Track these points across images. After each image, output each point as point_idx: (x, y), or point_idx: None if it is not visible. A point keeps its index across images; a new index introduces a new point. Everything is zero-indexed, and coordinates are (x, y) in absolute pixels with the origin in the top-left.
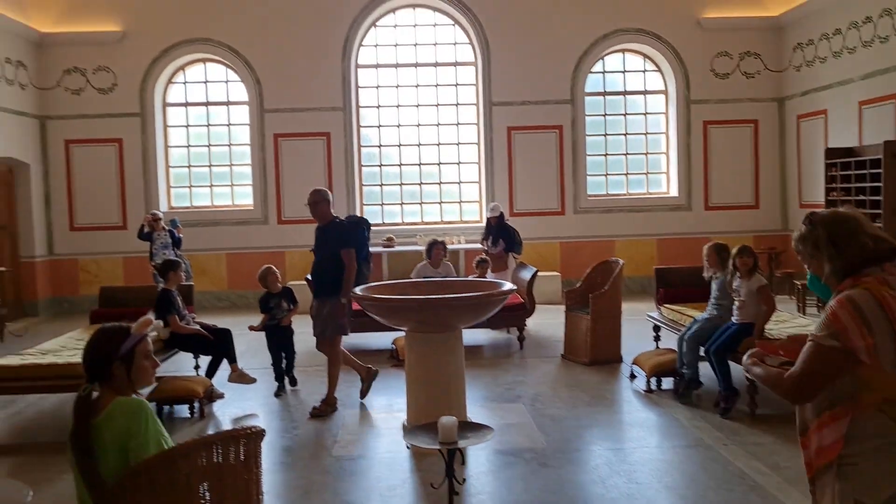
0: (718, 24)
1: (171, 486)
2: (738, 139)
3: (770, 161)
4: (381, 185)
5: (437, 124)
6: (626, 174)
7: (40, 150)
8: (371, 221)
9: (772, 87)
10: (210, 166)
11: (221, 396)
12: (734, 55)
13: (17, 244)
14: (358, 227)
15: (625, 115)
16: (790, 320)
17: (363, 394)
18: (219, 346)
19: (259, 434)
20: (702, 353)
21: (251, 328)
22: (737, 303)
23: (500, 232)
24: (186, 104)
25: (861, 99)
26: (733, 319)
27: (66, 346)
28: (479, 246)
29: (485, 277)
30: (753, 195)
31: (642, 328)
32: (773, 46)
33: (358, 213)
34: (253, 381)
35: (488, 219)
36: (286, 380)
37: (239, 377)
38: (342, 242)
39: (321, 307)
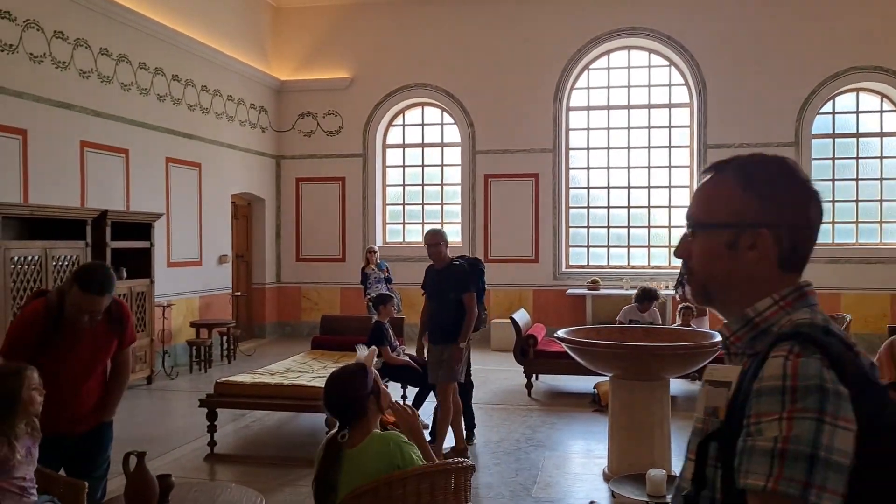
0: None
1: None
2: None
3: None
4: (588, 226)
5: (648, 167)
6: (857, 222)
7: (274, 186)
8: (577, 263)
9: None
10: (423, 204)
11: (426, 427)
12: None
13: (250, 271)
14: (476, 270)
15: (857, 158)
16: None
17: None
18: (426, 378)
19: (469, 468)
20: None
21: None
22: None
23: None
24: (404, 145)
25: None
26: None
27: (291, 369)
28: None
29: (689, 325)
30: None
31: None
32: None
33: (563, 255)
34: None
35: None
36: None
37: None
38: (463, 287)
39: (439, 353)
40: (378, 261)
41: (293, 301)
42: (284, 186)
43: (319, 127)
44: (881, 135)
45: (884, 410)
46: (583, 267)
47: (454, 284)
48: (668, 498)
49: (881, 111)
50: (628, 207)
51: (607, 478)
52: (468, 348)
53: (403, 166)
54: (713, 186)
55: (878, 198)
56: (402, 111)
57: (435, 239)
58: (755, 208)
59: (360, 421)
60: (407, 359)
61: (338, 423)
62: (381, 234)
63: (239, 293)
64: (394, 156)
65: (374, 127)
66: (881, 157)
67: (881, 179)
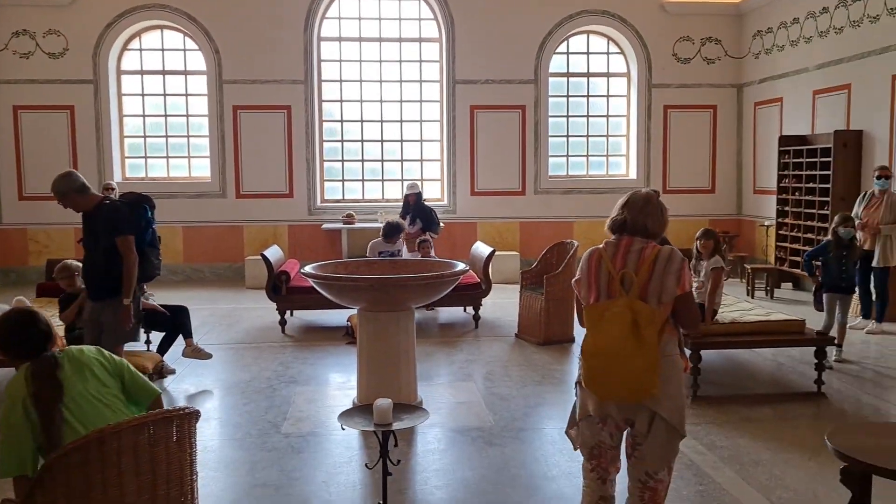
0: (681, 8)
1: (102, 466)
2: (697, 124)
3: (727, 146)
4: (343, 160)
5: (401, 101)
6: (587, 156)
7: None
8: (332, 197)
9: (731, 74)
10: (166, 137)
11: (172, 372)
12: (696, 40)
13: None
14: (137, 208)
15: (587, 96)
16: (734, 304)
17: None
18: (174, 321)
19: (193, 414)
20: None
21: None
22: (696, 283)
23: (417, 211)
24: (142, 72)
25: (815, 88)
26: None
27: None
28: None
29: (428, 256)
30: (710, 179)
31: None
32: (734, 33)
33: (318, 189)
34: (209, 356)
35: (406, 196)
36: None
37: (193, 352)
38: (115, 229)
39: (98, 311)
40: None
41: (18, 244)
42: (0, 115)
43: (39, 48)
44: (607, 75)
45: None
46: (338, 201)
47: (104, 228)
48: (396, 425)
49: (607, 53)
50: (381, 141)
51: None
52: (137, 301)
53: (142, 95)
54: None
55: (605, 133)
56: (137, 34)
57: (56, 189)
58: None
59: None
60: (154, 303)
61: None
62: (119, 169)
63: None
64: (131, 83)
65: (105, 50)
66: (608, 96)
67: (607, 116)
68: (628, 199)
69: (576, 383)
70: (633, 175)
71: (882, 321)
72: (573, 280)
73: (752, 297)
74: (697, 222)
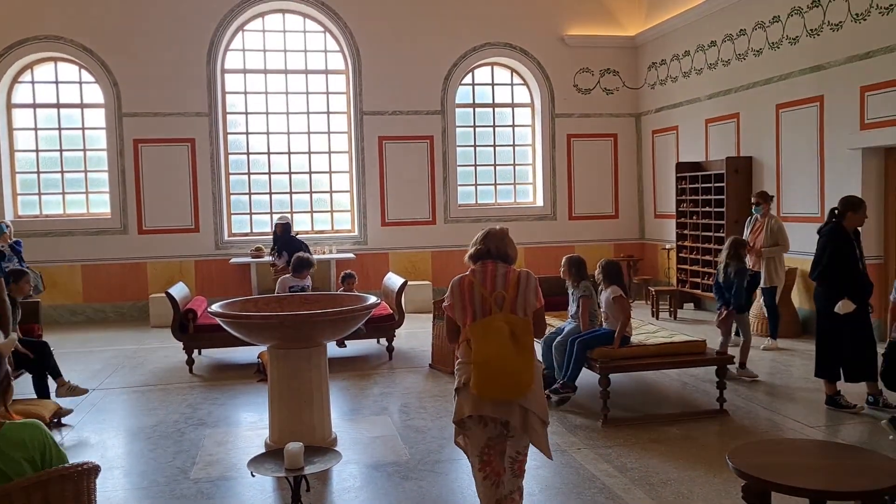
0: (580, 41)
1: None
2: (599, 152)
3: (628, 173)
4: (250, 193)
5: (308, 132)
6: (495, 184)
7: None
8: (240, 231)
9: (629, 103)
10: (62, 172)
11: (70, 412)
12: (595, 72)
13: None
14: None
15: (493, 126)
16: (640, 327)
17: None
18: (41, 362)
19: (91, 470)
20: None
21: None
22: (602, 315)
23: (284, 244)
24: (35, 105)
25: (707, 117)
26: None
27: None
28: (349, 256)
29: (352, 292)
30: (613, 205)
31: None
32: (631, 64)
33: (225, 223)
34: (85, 391)
35: (275, 227)
36: None
37: (69, 391)
38: None
39: None
40: (12, 238)
41: None
42: None
43: None
44: (512, 105)
45: None
46: (246, 235)
47: None
48: (308, 470)
49: (511, 84)
50: (290, 173)
51: (269, 448)
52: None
53: (35, 129)
54: None
55: (512, 162)
56: (29, 66)
57: None
58: None
59: None
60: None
61: None
62: (11, 207)
63: None
64: (23, 117)
65: None
66: (513, 126)
67: (514, 146)
68: (488, 233)
69: (455, 390)
70: (539, 202)
71: (776, 337)
72: (444, 305)
73: (657, 318)
74: (602, 247)
